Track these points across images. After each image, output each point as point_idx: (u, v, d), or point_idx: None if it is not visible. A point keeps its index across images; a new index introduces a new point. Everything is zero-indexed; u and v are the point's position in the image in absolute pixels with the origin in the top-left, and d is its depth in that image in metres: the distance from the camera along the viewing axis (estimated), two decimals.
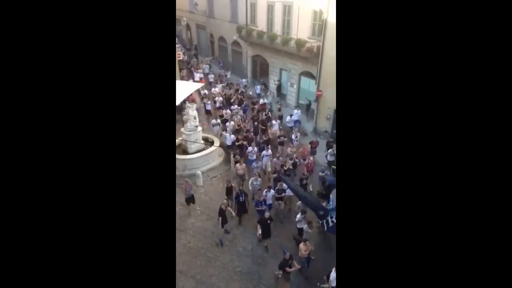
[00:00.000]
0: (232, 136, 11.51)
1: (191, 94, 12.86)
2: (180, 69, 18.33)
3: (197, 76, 18.15)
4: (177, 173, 9.63)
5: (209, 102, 14.99)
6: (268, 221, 7.43)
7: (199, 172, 10.03)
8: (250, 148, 10.60)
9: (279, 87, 16.48)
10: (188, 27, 24.36)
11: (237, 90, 16.53)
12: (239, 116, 13.54)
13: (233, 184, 8.88)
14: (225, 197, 8.47)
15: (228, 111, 13.88)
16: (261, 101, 15.18)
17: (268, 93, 16.48)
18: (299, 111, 13.71)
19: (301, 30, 13.61)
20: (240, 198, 8.41)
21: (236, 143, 11.35)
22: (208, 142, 11.60)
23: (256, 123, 13.03)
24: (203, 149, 11.04)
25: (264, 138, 11.72)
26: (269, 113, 13.94)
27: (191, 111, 11.03)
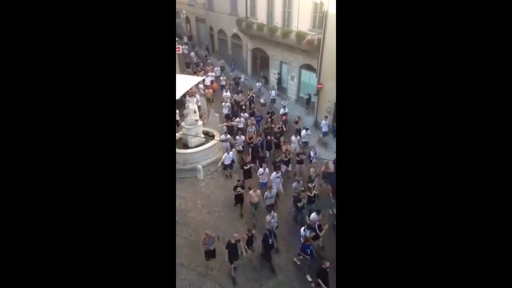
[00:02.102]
0: (231, 153, 9.75)
1: (191, 88, 12.80)
2: (194, 72, 17.07)
3: (208, 80, 16.28)
4: (177, 167, 9.67)
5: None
6: (327, 270, 5.99)
7: (199, 166, 10.05)
8: (261, 170, 8.78)
9: (279, 80, 16.37)
10: (187, 20, 24.17)
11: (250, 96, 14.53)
12: (254, 128, 11.58)
13: (253, 232, 7.03)
14: (245, 247, 6.68)
15: (242, 119, 12.07)
16: (281, 110, 12.92)
17: (284, 102, 13.73)
18: (327, 121, 11.92)
19: (302, 22, 13.47)
20: (270, 240, 6.67)
21: (244, 167, 9.35)
22: (209, 136, 11.59)
23: (269, 136, 10.84)
24: (204, 143, 11.04)
25: (284, 158, 9.66)
26: (284, 126, 11.73)
27: (191, 105, 11.01)
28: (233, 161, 9.68)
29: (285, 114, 12.81)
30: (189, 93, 12.84)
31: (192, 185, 9.77)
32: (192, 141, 10.91)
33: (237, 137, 10.90)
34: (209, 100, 14.83)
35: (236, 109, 13.48)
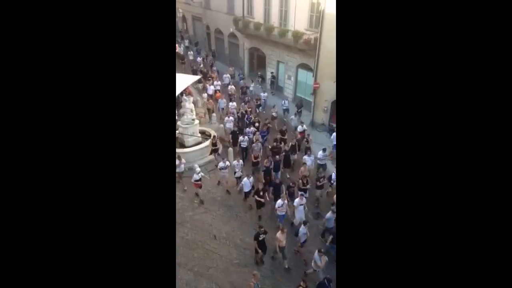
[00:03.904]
0: (251, 179, 8.58)
1: (188, 87, 12.75)
2: (198, 82, 15.75)
3: (211, 89, 14.81)
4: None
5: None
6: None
7: (196, 165, 10.02)
8: (279, 202, 7.60)
9: (274, 79, 16.34)
10: (184, 18, 24.05)
11: (258, 105, 13.29)
12: (259, 144, 10.16)
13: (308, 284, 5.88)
14: None
15: (246, 137, 10.48)
16: (299, 128, 11.38)
17: (294, 116, 12.34)
18: (335, 133, 10.81)
19: (298, 21, 13.48)
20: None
21: (256, 196, 8.07)
22: (206, 135, 11.56)
23: (277, 156, 9.49)
24: (200, 143, 11.01)
25: (303, 186, 8.41)
26: (299, 145, 10.44)
27: (188, 104, 10.98)
28: (253, 187, 8.57)
29: (303, 131, 11.34)
30: (186, 92, 12.80)
31: (189, 184, 9.74)
32: (189, 140, 10.88)
33: (235, 162, 9.34)
34: (209, 110, 13.75)
35: (241, 124, 12.04)
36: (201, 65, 18.46)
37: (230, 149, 10.85)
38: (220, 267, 7.14)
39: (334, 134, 11.01)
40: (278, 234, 6.75)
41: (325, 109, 12.99)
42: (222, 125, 12.51)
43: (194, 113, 11.24)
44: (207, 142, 10.94)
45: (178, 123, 11.05)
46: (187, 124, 10.93)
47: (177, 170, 9.39)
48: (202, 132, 11.71)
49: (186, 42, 22.65)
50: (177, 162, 9.34)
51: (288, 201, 7.76)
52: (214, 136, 10.85)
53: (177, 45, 20.63)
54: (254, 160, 9.77)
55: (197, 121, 11.25)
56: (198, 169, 8.88)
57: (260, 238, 6.80)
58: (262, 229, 6.85)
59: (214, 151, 10.56)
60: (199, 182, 8.91)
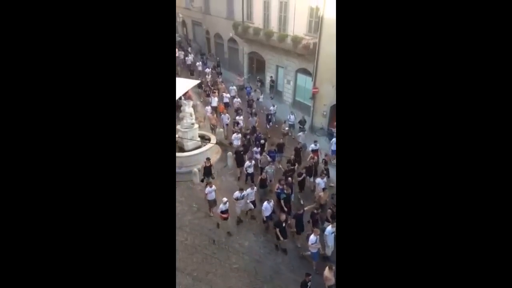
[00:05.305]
0: (272, 203, 8.04)
1: (187, 91, 12.78)
2: (207, 95, 14.87)
3: (215, 101, 13.81)
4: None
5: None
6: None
7: (195, 169, 10.01)
8: (313, 238, 6.83)
9: (273, 83, 16.40)
10: (184, 23, 24.21)
11: (269, 120, 12.56)
12: (273, 167, 9.43)
13: None
14: None
15: (253, 162, 9.57)
16: (311, 146, 10.44)
17: (303, 133, 11.70)
18: (335, 138, 10.62)
19: (298, 26, 13.58)
20: None
21: (276, 228, 7.37)
22: (205, 140, 11.57)
23: (290, 179, 8.65)
24: (200, 147, 11.01)
25: (333, 213, 7.50)
26: (315, 167, 9.57)
27: (188, 108, 11.00)
28: (273, 211, 8.10)
29: (316, 150, 10.38)
30: (186, 96, 12.82)
31: (188, 188, 9.73)
32: (188, 144, 10.89)
33: (249, 190, 8.36)
34: (213, 127, 12.68)
35: (247, 144, 11.02)
36: (209, 76, 17.21)
37: (229, 153, 10.84)
38: (219, 272, 7.10)
39: (334, 139, 10.93)
40: (326, 272, 6.25)
41: (324, 113, 13.03)
42: (222, 129, 12.55)
43: (194, 117, 11.25)
44: (207, 146, 10.94)
45: (178, 127, 11.06)
46: (186, 128, 10.94)
47: (208, 198, 8.39)
48: (202, 136, 11.72)
49: (189, 49, 21.70)
50: (207, 189, 8.29)
51: (319, 234, 6.99)
52: (208, 159, 9.68)
53: (183, 53, 20.43)
54: (262, 184, 8.93)
55: (196, 125, 11.26)
56: (225, 199, 8.02)
57: (308, 287, 6.14)
58: (310, 276, 6.15)
59: (207, 174, 9.35)
60: (226, 214, 7.97)
